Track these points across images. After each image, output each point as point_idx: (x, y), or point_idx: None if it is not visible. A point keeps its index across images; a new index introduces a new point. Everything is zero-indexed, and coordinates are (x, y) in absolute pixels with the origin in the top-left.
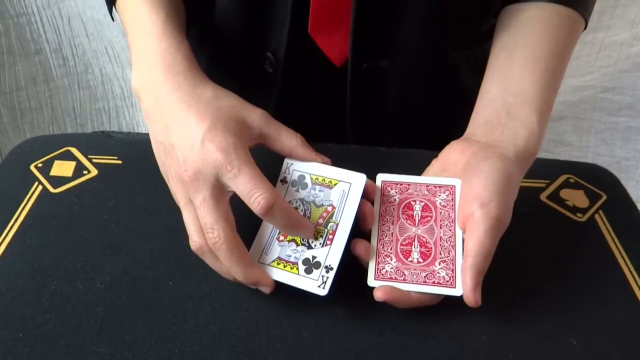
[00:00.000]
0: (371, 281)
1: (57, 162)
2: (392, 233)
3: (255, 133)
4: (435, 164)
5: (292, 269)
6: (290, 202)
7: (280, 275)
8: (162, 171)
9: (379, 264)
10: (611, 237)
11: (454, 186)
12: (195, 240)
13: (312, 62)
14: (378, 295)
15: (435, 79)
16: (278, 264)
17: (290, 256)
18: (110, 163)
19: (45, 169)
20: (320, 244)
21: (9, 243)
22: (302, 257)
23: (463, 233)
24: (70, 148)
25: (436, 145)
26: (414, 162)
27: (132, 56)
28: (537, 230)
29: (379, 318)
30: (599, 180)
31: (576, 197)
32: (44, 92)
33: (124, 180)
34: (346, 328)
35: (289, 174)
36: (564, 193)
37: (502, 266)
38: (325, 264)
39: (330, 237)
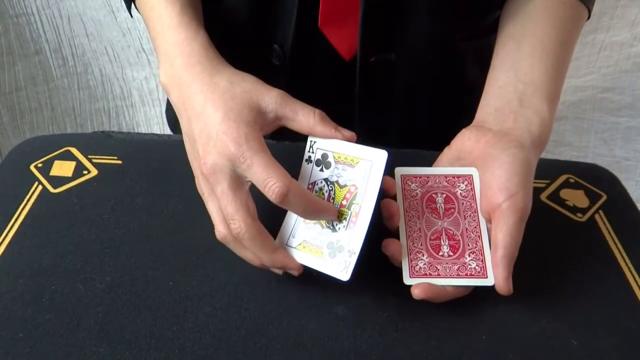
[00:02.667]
0: (407, 279)
1: (57, 162)
2: (419, 228)
3: (270, 117)
4: (448, 152)
5: (316, 252)
6: (315, 182)
7: (306, 258)
8: (190, 162)
9: (411, 261)
10: (611, 237)
11: (472, 175)
12: (219, 230)
13: (319, 55)
14: (416, 293)
15: (442, 71)
16: (304, 247)
17: (315, 239)
18: (110, 163)
19: (45, 169)
20: (344, 226)
21: (9, 243)
22: (327, 241)
23: (487, 223)
24: (70, 148)
25: (443, 137)
26: (414, 163)
27: (156, 52)
28: (537, 230)
29: (380, 318)
30: (599, 180)
31: (576, 197)
32: (43, 93)
33: (124, 180)
34: (346, 328)
35: (312, 152)
36: (564, 193)
37: None
38: (349, 248)
39: (354, 219)
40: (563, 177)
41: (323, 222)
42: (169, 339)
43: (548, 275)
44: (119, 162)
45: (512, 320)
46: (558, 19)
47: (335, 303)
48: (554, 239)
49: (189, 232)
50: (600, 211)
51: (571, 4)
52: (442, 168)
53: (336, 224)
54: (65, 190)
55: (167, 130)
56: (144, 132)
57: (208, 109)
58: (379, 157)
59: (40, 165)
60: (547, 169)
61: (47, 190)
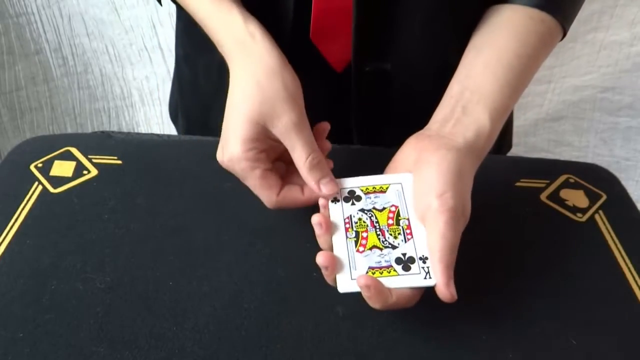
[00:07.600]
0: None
1: (57, 162)
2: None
3: (276, 144)
4: (394, 159)
5: (389, 272)
6: (350, 216)
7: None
8: None
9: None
10: (611, 237)
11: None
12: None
13: (311, 64)
14: (362, 281)
15: (437, 77)
16: (373, 273)
17: (380, 262)
18: (110, 163)
19: (45, 169)
20: (402, 240)
21: (9, 243)
22: (393, 258)
23: (423, 226)
24: (70, 148)
25: None
26: None
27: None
28: (537, 230)
29: (379, 318)
30: (599, 180)
31: (576, 197)
32: (43, 92)
33: (124, 180)
34: (346, 328)
35: (337, 193)
36: (564, 193)
37: (502, 266)
38: (419, 256)
39: (408, 231)
40: (563, 177)
41: (379, 244)
42: (169, 339)
43: (548, 275)
44: (119, 162)
45: (512, 320)
46: (522, 32)
47: (335, 303)
48: (554, 239)
49: (189, 232)
50: (600, 211)
51: (540, 17)
52: (373, 177)
53: (394, 241)
54: (65, 190)
55: (167, 130)
56: (144, 132)
57: (227, 113)
58: (406, 178)
59: (40, 165)
60: (547, 169)
61: (47, 190)
